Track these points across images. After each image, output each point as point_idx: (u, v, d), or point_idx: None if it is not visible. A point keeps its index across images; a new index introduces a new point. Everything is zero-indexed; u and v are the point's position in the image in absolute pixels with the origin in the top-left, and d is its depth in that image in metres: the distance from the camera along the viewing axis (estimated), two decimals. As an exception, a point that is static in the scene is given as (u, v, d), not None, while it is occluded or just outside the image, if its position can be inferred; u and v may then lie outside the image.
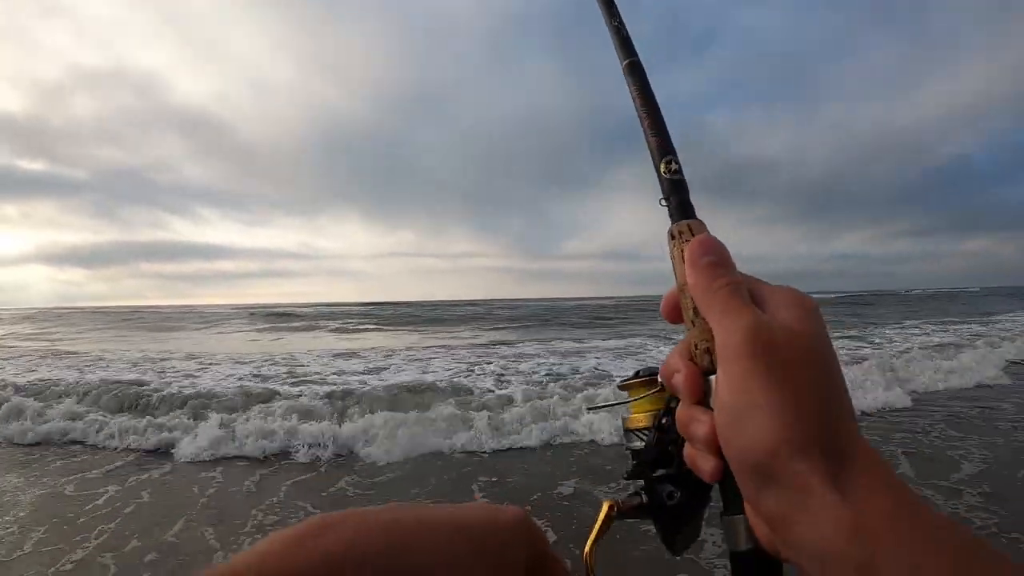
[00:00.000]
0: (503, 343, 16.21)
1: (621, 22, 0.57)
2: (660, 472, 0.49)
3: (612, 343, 15.56)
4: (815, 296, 0.41)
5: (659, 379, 0.50)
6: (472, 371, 10.50)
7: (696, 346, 0.43)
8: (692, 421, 0.42)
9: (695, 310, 0.43)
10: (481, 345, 15.70)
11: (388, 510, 0.39)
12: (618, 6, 0.59)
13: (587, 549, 0.49)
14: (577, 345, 15.13)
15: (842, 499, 0.32)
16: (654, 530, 0.52)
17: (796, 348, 0.37)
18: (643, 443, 0.51)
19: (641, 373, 0.54)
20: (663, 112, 0.52)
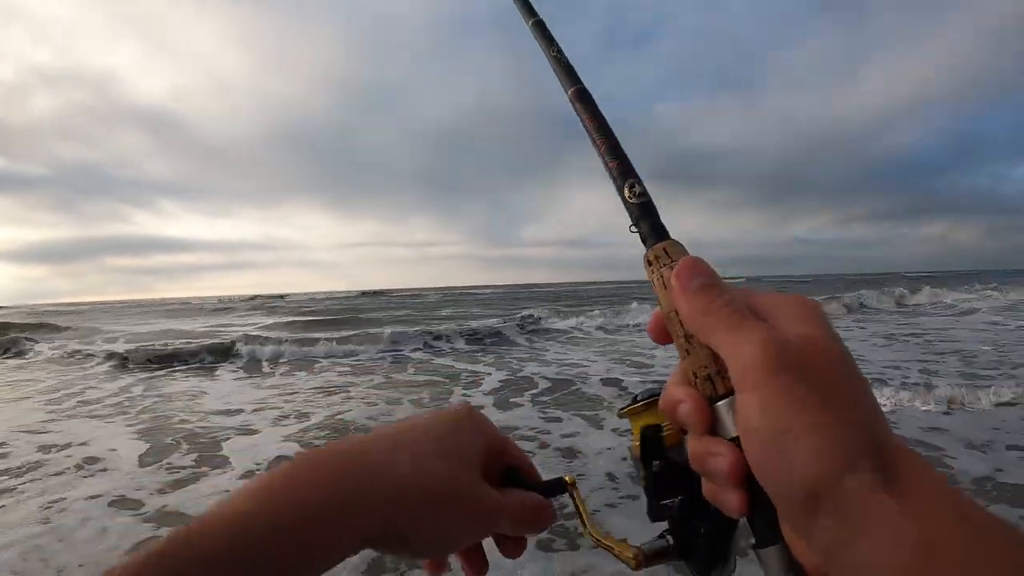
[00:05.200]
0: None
1: (560, 50, 0.56)
2: (678, 498, 0.47)
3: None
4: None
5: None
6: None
7: (695, 374, 0.39)
8: (709, 455, 0.38)
9: (687, 337, 0.40)
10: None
11: (374, 438, 0.45)
12: (555, 36, 0.58)
13: None
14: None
15: (903, 514, 0.30)
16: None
17: (822, 358, 0.34)
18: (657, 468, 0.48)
19: (640, 397, 0.50)
20: (616, 133, 0.49)
